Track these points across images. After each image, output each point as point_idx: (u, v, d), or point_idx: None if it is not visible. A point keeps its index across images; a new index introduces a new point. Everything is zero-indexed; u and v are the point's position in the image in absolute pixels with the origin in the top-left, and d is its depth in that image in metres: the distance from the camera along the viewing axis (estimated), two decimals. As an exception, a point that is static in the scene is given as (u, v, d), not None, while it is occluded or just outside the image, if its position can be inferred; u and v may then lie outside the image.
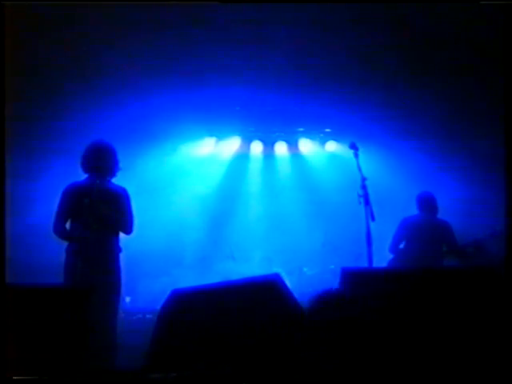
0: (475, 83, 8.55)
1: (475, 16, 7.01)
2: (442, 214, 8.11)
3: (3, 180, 5.02)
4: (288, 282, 4.49)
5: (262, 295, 4.21)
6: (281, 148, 11.51)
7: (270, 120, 10.40)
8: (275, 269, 9.14)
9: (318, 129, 10.97)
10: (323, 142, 11.32)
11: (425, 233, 7.90)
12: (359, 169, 6.52)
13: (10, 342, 3.81)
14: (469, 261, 7.86)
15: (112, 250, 6.28)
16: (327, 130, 10.96)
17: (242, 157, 11.48)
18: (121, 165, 6.45)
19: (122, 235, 6.43)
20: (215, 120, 10.22)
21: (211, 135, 11.12)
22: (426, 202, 8.06)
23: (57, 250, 6.40)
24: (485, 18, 6.94)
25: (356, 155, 6.63)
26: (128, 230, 6.41)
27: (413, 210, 8.18)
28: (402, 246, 8.07)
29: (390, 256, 8.06)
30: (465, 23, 7.25)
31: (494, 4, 6.27)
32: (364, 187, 6.41)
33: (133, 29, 7.22)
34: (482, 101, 8.74)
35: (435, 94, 8.83)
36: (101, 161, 6.31)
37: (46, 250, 7.82)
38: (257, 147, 11.43)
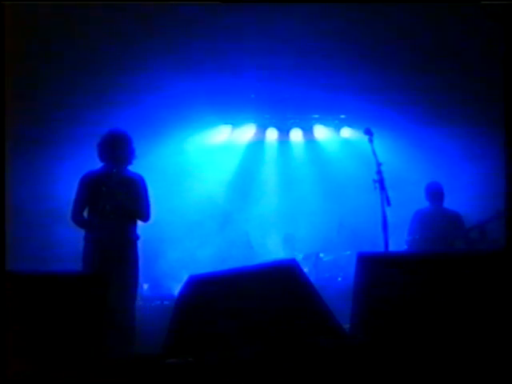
0: (476, 83, 8.66)
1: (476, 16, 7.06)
2: (452, 198, 8.16)
3: (4, 164, 5.06)
4: (304, 268, 4.50)
5: (279, 280, 4.22)
6: (296, 135, 11.48)
7: (285, 107, 10.39)
8: (291, 254, 9.19)
9: (333, 115, 10.94)
10: (338, 129, 11.30)
11: (435, 225, 7.98)
12: (374, 154, 6.50)
13: (27, 328, 3.85)
14: (474, 245, 7.90)
15: (129, 238, 6.33)
16: (342, 116, 10.93)
17: (258, 144, 11.47)
18: (137, 153, 6.48)
19: (139, 222, 6.46)
20: (230, 108, 10.22)
21: (226, 123, 11.13)
22: (433, 194, 8.17)
23: (75, 239, 6.46)
24: (486, 17, 6.97)
25: (371, 140, 6.61)
26: (145, 218, 6.45)
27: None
28: (415, 237, 8.14)
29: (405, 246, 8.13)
30: (466, 23, 7.30)
31: (495, 4, 6.28)
32: (379, 172, 6.39)
33: (139, 23, 7.25)
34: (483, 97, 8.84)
35: (444, 82, 8.86)
36: (117, 149, 6.35)
37: (64, 238, 7.90)
38: (272, 134, 11.41)
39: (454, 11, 7.02)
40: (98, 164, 6.46)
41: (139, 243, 6.44)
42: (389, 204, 6.27)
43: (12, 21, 5.51)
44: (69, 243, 7.21)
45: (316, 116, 11.06)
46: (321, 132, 11.39)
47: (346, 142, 11.26)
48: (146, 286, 8.98)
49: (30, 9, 6.69)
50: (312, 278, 4.53)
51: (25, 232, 8.69)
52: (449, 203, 8.25)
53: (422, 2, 6.90)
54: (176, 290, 4.44)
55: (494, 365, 3.66)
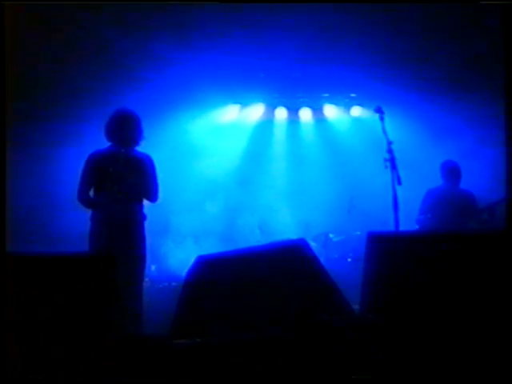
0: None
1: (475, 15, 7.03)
2: (463, 178, 8.11)
3: (4, 144, 5.03)
4: (314, 249, 4.48)
5: (288, 260, 4.21)
6: (305, 114, 11.48)
7: (295, 86, 10.34)
8: (301, 235, 9.16)
9: (343, 94, 10.88)
10: (348, 108, 11.27)
11: (449, 204, 7.94)
12: (385, 132, 6.46)
13: (32, 310, 3.84)
14: (483, 226, 7.87)
15: (137, 218, 6.31)
16: (352, 95, 10.87)
17: (267, 123, 11.46)
18: (145, 134, 6.44)
19: (146, 203, 6.44)
20: (239, 87, 10.19)
21: (235, 102, 11.10)
22: (450, 172, 8.09)
23: (81, 218, 6.45)
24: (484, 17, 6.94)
25: (381, 119, 6.57)
26: (153, 198, 6.42)
27: (439, 174, 8.18)
28: (427, 216, 8.09)
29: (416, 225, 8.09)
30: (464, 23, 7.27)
31: (493, 4, 6.23)
32: (390, 151, 6.35)
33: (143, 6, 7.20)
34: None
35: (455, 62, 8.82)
36: (125, 129, 6.31)
37: (70, 218, 7.90)
38: (281, 113, 11.41)
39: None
40: (104, 144, 6.41)
41: (146, 223, 6.42)
42: (399, 183, 6.24)
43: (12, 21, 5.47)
44: (75, 223, 7.21)
45: (326, 95, 11.00)
46: (331, 111, 11.37)
47: (357, 121, 11.25)
48: (153, 267, 8.99)
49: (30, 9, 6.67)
50: (321, 259, 4.50)
51: (30, 213, 8.73)
52: (461, 182, 8.19)
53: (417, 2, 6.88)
54: (184, 271, 4.40)
55: (504, 344, 3.65)
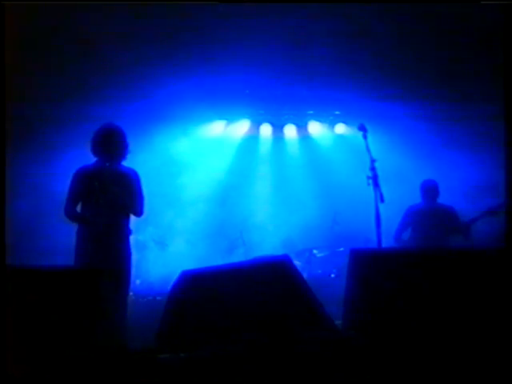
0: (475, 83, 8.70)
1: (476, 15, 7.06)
2: (446, 194, 8.19)
3: (4, 161, 5.04)
4: (298, 265, 4.51)
5: (271, 276, 4.24)
6: (290, 131, 11.53)
7: (280, 103, 10.39)
8: (284, 251, 9.18)
9: (328, 111, 10.94)
10: (332, 125, 11.33)
11: (429, 219, 7.97)
12: (368, 150, 6.50)
13: (20, 322, 3.85)
14: (470, 237, 7.91)
15: (122, 232, 6.30)
16: (336, 112, 10.94)
17: (252, 139, 11.50)
18: (130, 148, 6.45)
19: (132, 217, 6.44)
20: (225, 103, 10.22)
21: (221, 118, 11.14)
22: (428, 191, 8.12)
23: (68, 233, 6.44)
24: (485, 17, 6.98)
25: (365, 137, 6.61)
26: (139, 212, 6.43)
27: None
28: (407, 234, 8.13)
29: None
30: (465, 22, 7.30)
31: (494, 4, 6.28)
32: (373, 169, 6.38)
33: (135, 21, 7.22)
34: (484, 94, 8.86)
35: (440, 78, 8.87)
36: (110, 144, 6.30)
37: (57, 232, 7.89)
38: (266, 130, 11.45)
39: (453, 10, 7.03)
40: (90, 159, 6.43)
41: (132, 238, 6.43)
42: (382, 201, 6.27)
43: (12, 21, 5.49)
44: (61, 238, 7.20)
45: (310, 112, 11.06)
46: (315, 128, 11.43)
47: (341, 138, 11.29)
48: (138, 282, 8.97)
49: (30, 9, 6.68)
50: (305, 275, 4.55)
51: (16, 226, 8.71)
52: (442, 199, 8.23)
53: (418, 1, 6.91)
54: (168, 285, 4.43)
55: (485, 359, 3.68)
